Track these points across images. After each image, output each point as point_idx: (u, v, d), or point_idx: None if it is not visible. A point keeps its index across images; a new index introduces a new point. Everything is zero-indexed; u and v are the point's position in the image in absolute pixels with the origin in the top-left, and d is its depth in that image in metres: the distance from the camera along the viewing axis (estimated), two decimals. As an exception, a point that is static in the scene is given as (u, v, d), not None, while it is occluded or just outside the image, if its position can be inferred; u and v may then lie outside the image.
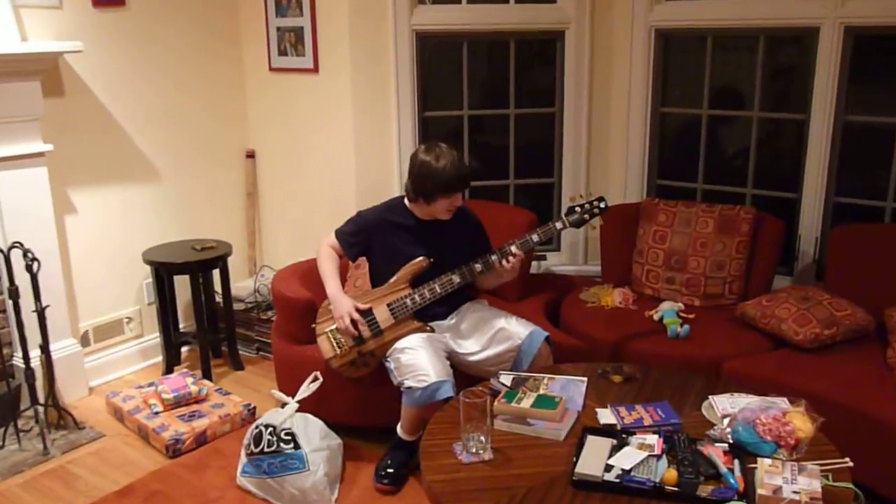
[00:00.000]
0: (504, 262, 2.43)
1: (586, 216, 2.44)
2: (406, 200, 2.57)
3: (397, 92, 3.55)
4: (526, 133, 3.80)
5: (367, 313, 2.50)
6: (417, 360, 2.37)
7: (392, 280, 2.53)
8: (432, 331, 2.53)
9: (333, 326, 2.52)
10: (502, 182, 3.83)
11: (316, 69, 3.54)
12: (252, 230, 4.01)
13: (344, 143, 3.59)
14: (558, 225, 2.44)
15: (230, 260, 3.51)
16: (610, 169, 3.73)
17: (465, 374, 2.53)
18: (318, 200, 3.78)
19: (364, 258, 2.71)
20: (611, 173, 3.73)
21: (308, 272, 2.96)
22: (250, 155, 3.93)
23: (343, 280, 2.89)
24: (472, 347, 2.53)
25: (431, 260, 2.53)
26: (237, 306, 3.65)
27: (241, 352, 3.66)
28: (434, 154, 2.40)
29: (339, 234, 2.60)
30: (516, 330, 2.50)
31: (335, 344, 2.52)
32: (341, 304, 2.47)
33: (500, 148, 3.82)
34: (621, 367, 2.33)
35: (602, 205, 2.44)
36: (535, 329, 2.51)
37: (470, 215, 2.68)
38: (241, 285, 3.80)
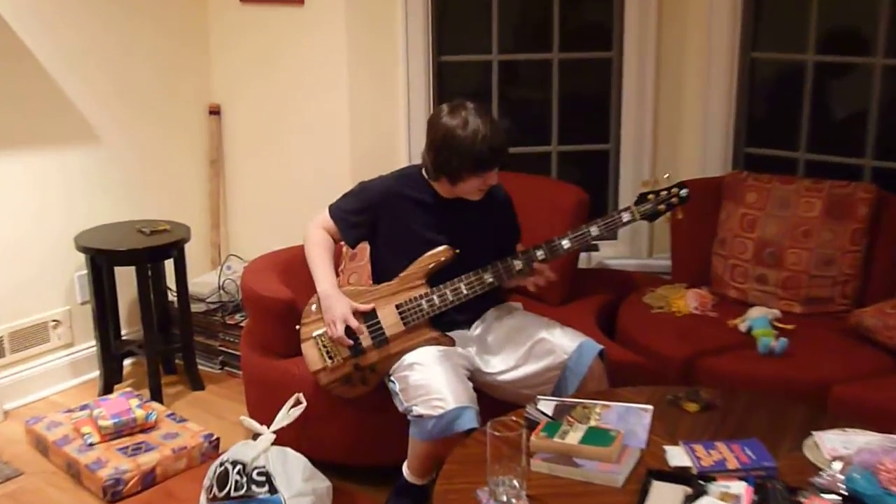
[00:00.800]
0: (554, 259, 2.46)
1: (662, 207, 2.44)
2: (424, 172, 2.56)
3: (405, 30, 3.54)
4: (573, 85, 3.78)
5: (368, 316, 2.50)
6: (431, 380, 2.36)
7: (404, 274, 2.53)
8: (452, 343, 2.53)
9: (324, 330, 2.53)
10: (542, 149, 3.82)
11: (301, 0, 3.54)
12: (216, 209, 4.02)
13: (336, 97, 3.59)
14: (625, 216, 2.44)
15: (187, 247, 3.52)
16: (683, 133, 3.70)
17: (493, 398, 2.53)
18: (301, 171, 3.78)
19: (365, 245, 2.71)
20: (684, 138, 3.70)
21: (289, 263, 2.96)
22: (214, 111, 3.94)
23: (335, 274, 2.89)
24: (503, 364, 2.53)
25: (458, 251, 2.53)
26: (196, 307, 3.67)
27: (200, 366, 3.68)
28: (461, 118, 2.38)
29: (336, 210, 2.59)
30: (560, 342, 2.49)
31: (325, 352, 2.53)
32: (335, 305, 2.47)
33: (539, 104, 3.81)
34: (697, 392, 2.32)
35: (683, 193, 2.44)
36: (585, 341, 2.50)
37: (502, 194, 2.67)
38: (202, 280, 3.81)
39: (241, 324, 3.57)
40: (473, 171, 2.40)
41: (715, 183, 3.34)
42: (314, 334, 2.55)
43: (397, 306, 2.51)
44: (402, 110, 3.63)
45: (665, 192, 2.44)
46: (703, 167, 3.63)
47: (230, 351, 3.66)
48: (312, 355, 2.55)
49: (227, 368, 3.72)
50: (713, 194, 3.31)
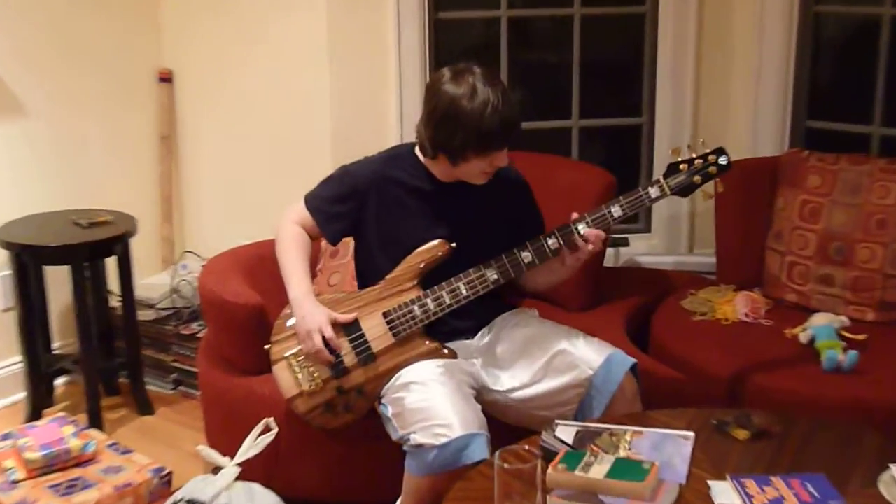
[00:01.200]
0: (568, 247, 2.44)
1: (697, 178, 2.44)
2: (418, 152, 2.56)
3: (396, -21, 3.55)
4: (598, 47, 3.78)
5: (351, 328, 2.50)
6: (432, 402, 2.35)
7: (391, 276, 2.53)
8: (454, 356, 2.53)
9: (299, 348, 2.53)
10: (560, 124, 3.82)
11: (268, -57, 3.56)
12: (168, 196, 4.03)
13: (312, 61, 3.59)
14: (653, 192, 2.44)
15: (133, 243, 3.52)
16: (731, 103, 3.70)
17: (501, 421, 2.52)
18: (272, 151, 3.78)
19: (348, 241, 2.71)
20: (732, 109, 3.70)
21: (258, 262, 2.96)
22: (165, 78, 3.95)
23: (312, 276, 2.89)
24: (515, 380, 2.52)
25: (454, 245, 2.53)
26: (144, 315, 3.67)
27: (149, 386, 3.68)
28: (467, 85, 2.36)
29: (312, 200, 2.59)
30: (584, 355, 2.49)
31: (301, 376, 2.53)
32: (311, 313, 2.47)
33: (556, 70, 3.81)
34: (748, 416, 2.31)
35: (722, 160, 2.44)
36: (613, 353, 2.50)
37: (514, 175, 2.67)
38: (152, 282, 3.82)
39: (199, 334, 3.57)
40: (480, 150, 2.40)
41: (769, 164, 3.34)
42: (286, 354, 2.55)
43: (385, 314, 2.51)
44: (392, 77, 3.63)
45: (700, 161, 2.44)
46: (754, 145, 3.63)
47: (185, 367, 3.66)
48: (286, 379, 2.55)
49: (181, 388, 3.72)
50: (767, 177, 3.31)
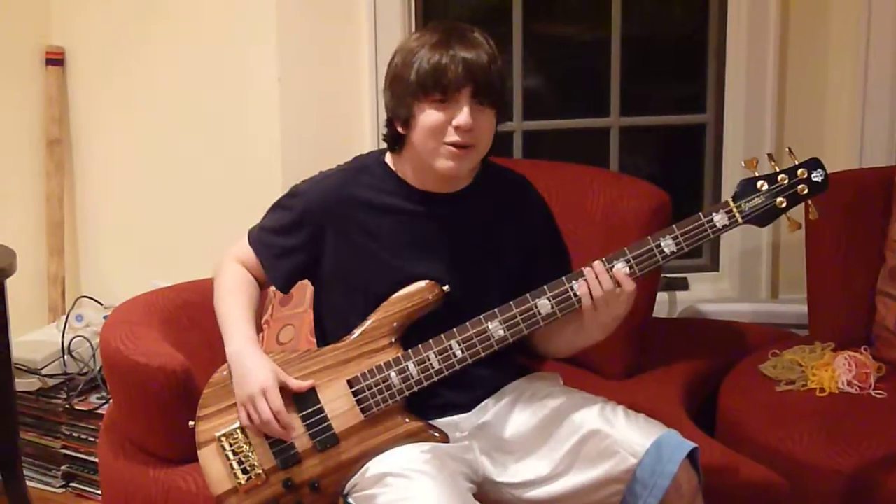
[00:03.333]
0: (592, 290, 2.44)
1: (781, 201, 2.42)
2: (388, 159, 2.58)
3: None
4: (646, 20, 3.81)
5: (305, 400, 2.50)
6: (415, 502, 2.35)
7: (360, 330, 2.53)
8: (444, 439, 2.54)
9: (235, 426, 2.52)
10: (595, 122, 3.85)
11: None
12: (58, 222, 4.02)
13: (256, 34, 3.62)
14: (719, 219, 2.41)
15: (10, 284, 3.50)
16: (828, 96, 3.73)
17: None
18: (198, 161, 3.79)
19: (305, 285, 2.70)
20: (830, 105, 3.73)
21: (178, 311, 2.95)
22: (55, 59, 3.95)
23: (257, 329, 2.87)
24: (531, 472, 2.50)
25: (446, 288, 2.54)
26: (24, 384, 3.65)
27: (31, 482, 3.65)
28: (419, 33, 2.46)
29: (257, 233, 2.61)
30: (625, 437, 2.47)
31: (235, 464, 2.52)
32: (253, 371, 2.47)
33: (590, 51, 3.84)
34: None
35: (817, 176, 2.42)
36: (665, 434, 2.47)
37: (530, 194, 2.69)
38: (34, 339, 3.81)
39: (100, 410, 3.55)
40: (420, 92, 2.41)
41: (881, 178, 3.34)
42: (218, 434, 2.54)
43: (350, 383, 2.50)
44: (365, 59, 3.67)
45: (786, 177, 2.42)
46: (858, 153, 3.65)
47: (81, 456, 3.63)
48: (216, 469, 2.53)
49: (74, 486, 3.69)
50: (877, 197, 3.31)
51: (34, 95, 3.95)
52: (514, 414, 2.58)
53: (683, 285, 3.65)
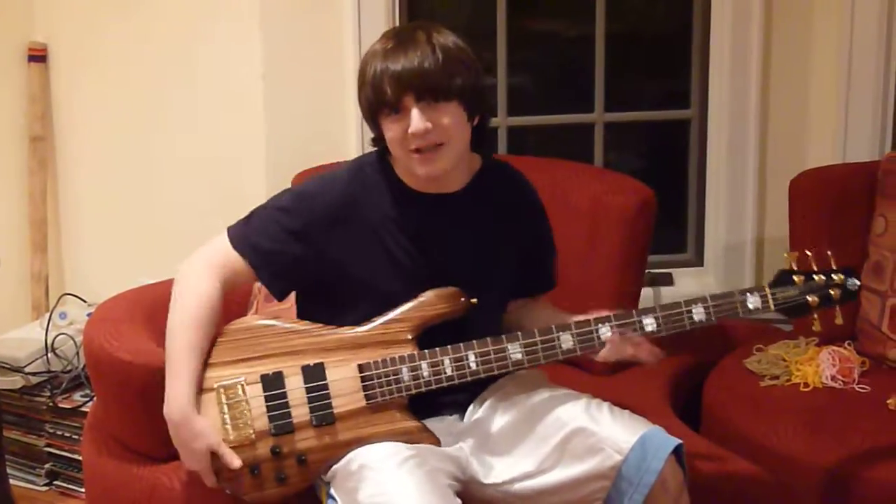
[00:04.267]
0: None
1: (813, 300, 2.45)
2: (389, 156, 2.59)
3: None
4: (630, 16, 3.81)
5: (313, 373, 2.49)
6: (390, 498, 2.34)
7: (387, 318, 2.53)
8: (436, 442, 2.54)
9: (238, 380, 2.49)
10: (579, 118, 3.85)
11: None
12: (41, 219, 4.01)
13: (240, 30, 3.62)
14: (752, 301, 2.45)
15: (-8, 282, 3.52)
16: (811, 90, 3.74)
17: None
18: (182, 157, 3.79)
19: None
20: (813, 100, 3.74)
21: (161, 308, 2.92)
22: (37, 55, 3.94)
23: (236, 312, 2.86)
24: (516, 469, 2.50)
25: (474, 301, 2.52)
26: (8, 382, 3.64)
27: (14, 481, 3.63)
28: (385, 39, 2.47)
29: (249, 238, 2.60)
30: (610, 434, 2.47)
31: (228, 418, 2.50)
32: (192, 438, 2.45)
33: (574, 47, 3.83)
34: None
35: (852, 286, 2.46)
36: (649, 431, 2.47)
37: (529, 191, 2.70)
38: (17, 337, 3.80)
39: (84, 408, 3.54)
40: (373, 112, 2.45)
41: (864, 173, 3.35)
42: (218, 384, 2.52)
43: (361, 367, 2.51)
44: (349, 55, 3.67)
45: (822, 278, 2.45)
46: (842, 148, 3.67)
47: (65, 454, 3.63)
48: (210, 418, 2.50)
49: (58, 483, 3.69)
50: (860, 192, 3.32)
51: (16, 92, 3.93)
52: (499, 413, 2.58)
53: (668, 280, 3.66)
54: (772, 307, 2.45)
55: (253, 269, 2.54)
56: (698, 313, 2.46)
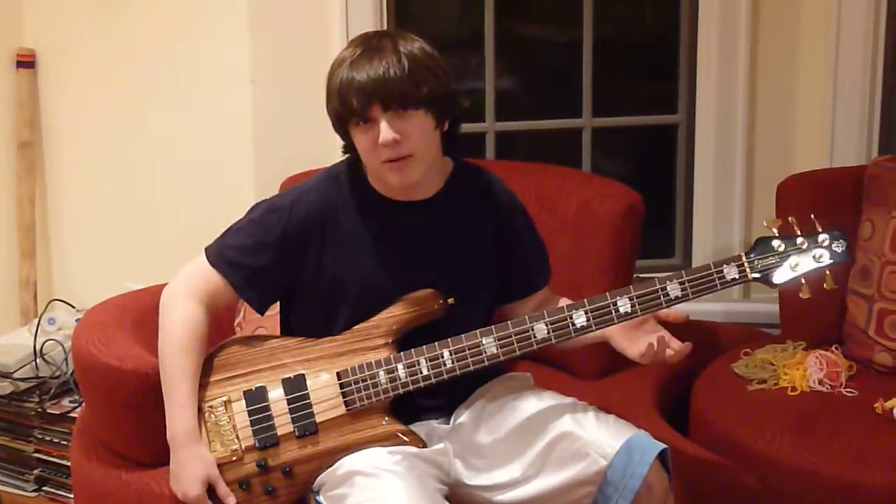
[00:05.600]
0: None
1: (795, 264, 2.40)
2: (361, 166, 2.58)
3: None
4: (618, 20, 3.81)
5: (294, 384, 2.50)
6: (384, 502, 2.35)
7: (362, 325, 2.54)
8: (422, 444, 2.53)
9: (221, 399, 2.50)
10: (567, 123, 3.86)
11: None
12: (29, 224, 4.01)
13: (228, 35, 3.63)
14: (729, 271, 2.40)
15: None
16: (798, 95, 3.75)
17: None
18: (170, 163, 3.80)
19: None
20: (801, 104, 3.75)
21: (150, 314, 2.91)
22: (25, 61, 3.94)
23: (226, 330, 2.86)
24: (503, 475, 2.50)
25: (451, 301, 2.53)
26: (-4, 388, 3.66)
27: (3, 488, 3.66)
28: (352, 48, 2.46)
29: (222, 254, 2.57)
30: (595, 438, 2.47)
31: (213, 435, 2.50)
32: (189, 465, 2.46)
33: (563, 51, 3.83)
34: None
35: (837, 247, 2.40)
36: (634, 436, 2.47)
37: (502, 192, 2.69)
38: (5, 342, 3.79)
39: (73, 413, 3.54)
40: (340, 117, 2.45)
41: (850, 177, 3.36)
42: (207, 403, 2.53)
43: (339, 375, 2.51)
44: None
45: (804, 241, 2.41)
46: (829, 152, 3.68)
47: (54, 459, 3.63)
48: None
49: (47, 489, 3.68)
50: (847, 196, 3.32)
51: (5, 98, 3.93)
52: (485, 417, 2.59)
53: (656, 284, 3.66)
54: (749, 276, 2.40)
55: (232, 287, 2.54)
56: (674, 290, 2.43)
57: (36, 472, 3.69)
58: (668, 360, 2.46)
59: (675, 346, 2.45)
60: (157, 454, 2.62)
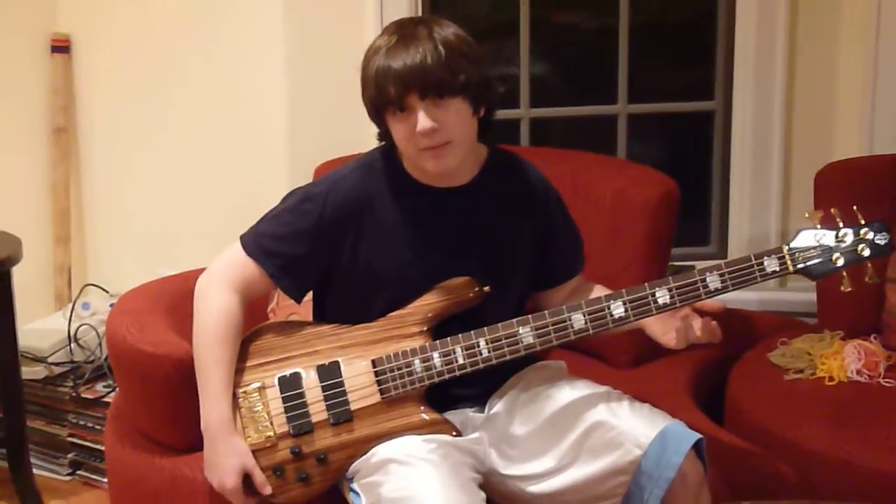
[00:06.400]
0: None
1: (837, 257, 2.39)
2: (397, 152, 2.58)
3: None
4: (655, 7, 3.79)
5: (329, 371, 2.51)
6: (420, 493, 2.33)
7: (397, 313, 2.54)
8: (456, 433, 2.54)
9: (255, 385, 2.51)
10: (602, 110, 3.86)
11: None
12: (64, 210, 4.03)
13: (262, 20, 3.64)
14: (769, 263, 2.39)
15: (16, 273, 3.51)
16: (838, 82, 3.73)
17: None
18: (205, 149, 3.81)
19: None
20: (841, 90, 3.73)
21: (184, 299, 2.93)
22: (60, 46, 3.96)
23: (259, 316, 2.86)
24: (538, 465, 2.50)
25: (487, 289, 2.53)
26: (31, 373, 3.66)
27: (38, 471, 3.66)
28: (387, 35, 2.45)
29: (258, 242, 2.56)
30: (629, 428, 2.47)
31: (247, 422, 2.50)
32: (225, 454, 2.47)
33: (597, 38, 3.82)
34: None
35: (880, 239, 2.37)
36: (669, 425, 2.47)
37: (537, 179, 2.68)
38: (41, 327, 3.82)
39: (106, 398, 3.56)
40: (378, 110, 2.44)
41: (890, 164, 3.35)
42: (239, 389, 2.53)
43: (374, 363, 2.51)
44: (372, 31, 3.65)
45: (847, 233, 2.40)
46: (868, 140, 3.66)
47: (87, 444, 3.65)
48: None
49: (81, 473, 3.71)
50: (886, 184, 3.31)
51: (40, 83, 3.95)
52: (519, 406, 2.58)
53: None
54: (790, 268, 2.38)
55: (268, 276, 2.54)
56: (713, 281, 2.41)
57: (70, 456, 3.72)
58: (697, 339, 2.47)
59: (697, 325, 2.45)
60: (191, 440, 2.63)
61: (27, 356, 3.65)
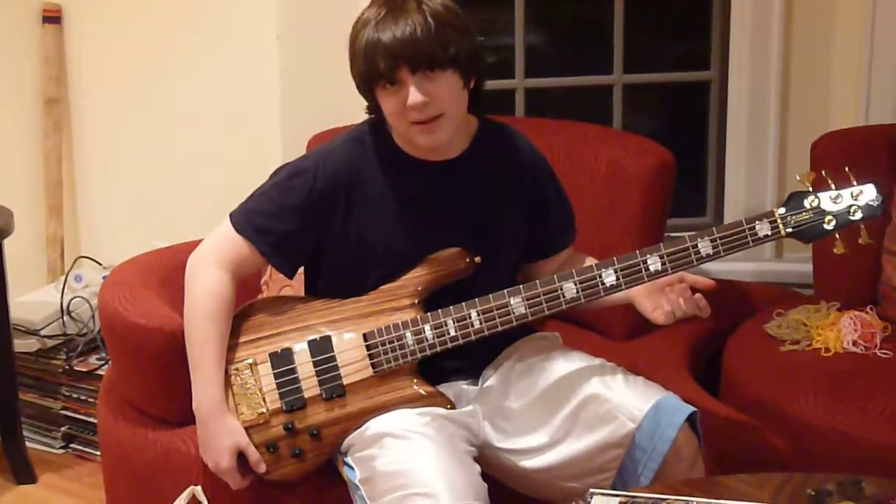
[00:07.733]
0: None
1: (829, 219, 2.37)
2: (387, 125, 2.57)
3: None
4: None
5: (320, 346, 2.51)
6: (412, 464, 2.34)
7: (388, 286, 2.54)
8: (450, 405, 2.54)
9: (246, 361, 2.52)
10: (597, 80, 3.84)
11: None
12: (56, 181, 4.02)
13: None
14: (761, 227, 2.38)
15: (8, 245, 3.52)
16: (834, 51, 3.72)
17: (512, 491, 2.53)
18: (198, 119, 3.79)
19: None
20: (836, 60, 3.72)
21: (177, 272, 2.93)
22: (51, 16, 3.93)
23: (250, 292, 2.85)
24: (532, 440, 2.51)
25: (478, 259, 2.52)
26: (23, 345, 3.67)
27: (30, 444, 3.67)
28: (375, 7, 2.42)
29: (248, 219, 2.56)
30: (624, 400, 2.47)
31: (239, 399, 2.50)
32: (219, 435, 2.48)
33: (594, 6, 3.81)
34: (858, 483, 2.29)
35: (872, 201, 2.36)
36: (663, 398, 2.48)
37: (528, 150, 2.67)
38: (33, 300, 3.82)
39: (99, 371, 3.56)
40: (367, 84, 2.43)
41: (886, 135, 3.34)
42: (231, 366, 2.54)
43: (365, 336, 2.51)
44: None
45: (838, 196, 2.39)
46: (864, 110, 3.65)
47: (80, 417, 3.66)
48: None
49: (74, 447, 3.71)
50: (883, 154, 3.30)
51: (31, 54, 3.94)
52: (513, 379, 2.58)
53: (685, 244, 3.65)
54: (782, 232, 2.37)
55: (260, 254, 2.53)
56: (705, 247, 2.41)
57: (63, 429, 3.73)
58: (685, 314, 2.47)
59: (685, 299, 2.45)
60: (183, 413, 2.64)
61: (19, 329, 3.65)
